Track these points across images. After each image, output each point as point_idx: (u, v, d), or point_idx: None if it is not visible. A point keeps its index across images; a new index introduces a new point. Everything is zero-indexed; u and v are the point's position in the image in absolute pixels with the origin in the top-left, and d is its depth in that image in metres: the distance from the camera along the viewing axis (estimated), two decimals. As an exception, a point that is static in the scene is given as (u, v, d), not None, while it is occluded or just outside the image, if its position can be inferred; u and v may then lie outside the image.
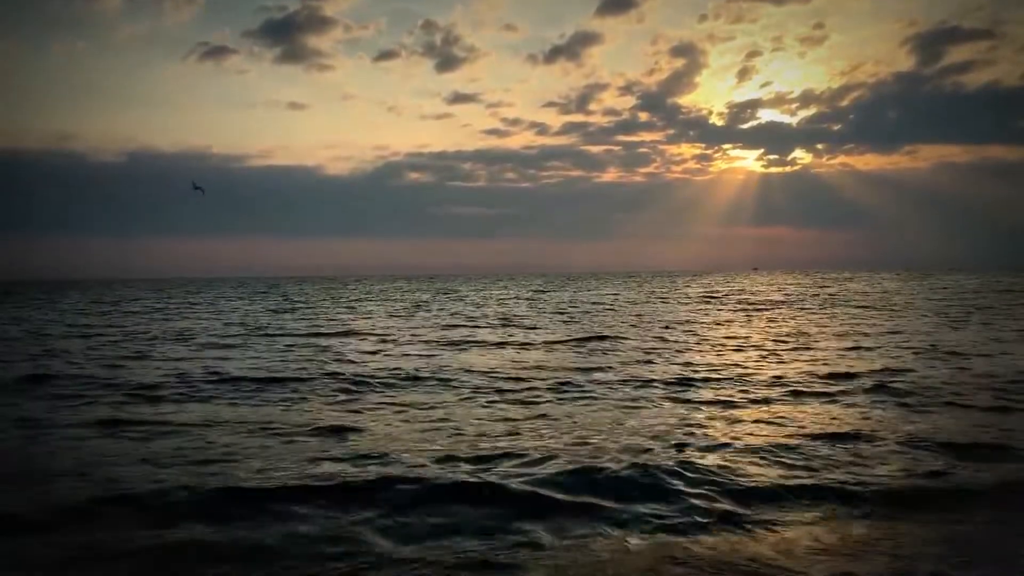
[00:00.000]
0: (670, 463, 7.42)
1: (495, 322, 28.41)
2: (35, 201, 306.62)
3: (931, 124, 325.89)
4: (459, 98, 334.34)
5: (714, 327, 25.20)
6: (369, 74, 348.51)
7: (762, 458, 7.76)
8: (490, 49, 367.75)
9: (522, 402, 11.33)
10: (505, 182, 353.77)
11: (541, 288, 75.80)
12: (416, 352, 18.37)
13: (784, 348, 18.28)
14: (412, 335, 23.12)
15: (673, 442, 8.44)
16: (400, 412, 10.65)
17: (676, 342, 19.98)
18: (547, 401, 11.40)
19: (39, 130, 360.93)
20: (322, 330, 25.38)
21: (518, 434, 9.08)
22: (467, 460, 7.77)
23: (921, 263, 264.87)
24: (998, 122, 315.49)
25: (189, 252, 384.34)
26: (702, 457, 7.76)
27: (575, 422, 9.76)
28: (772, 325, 25.84)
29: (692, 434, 8.92)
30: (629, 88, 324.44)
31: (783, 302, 41.15)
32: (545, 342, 20.50)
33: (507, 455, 7.93)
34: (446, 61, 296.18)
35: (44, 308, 45.22)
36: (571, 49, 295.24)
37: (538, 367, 15.25)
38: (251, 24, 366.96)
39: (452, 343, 20.48)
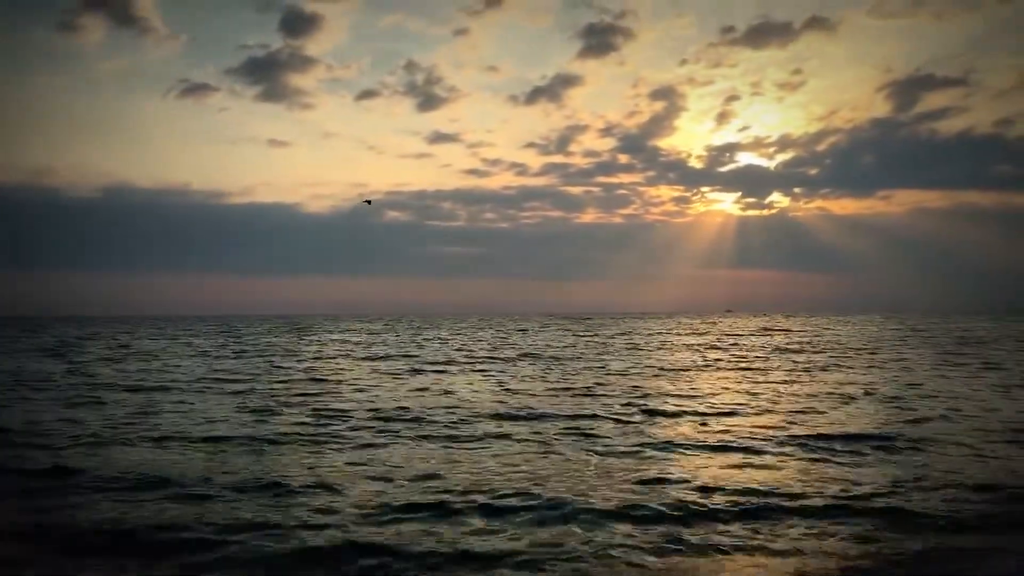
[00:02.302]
0: None
1: None
2: (7, 236, 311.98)
3: (906, 169, 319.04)
4: (440, 138, 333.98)
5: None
6: (350, 113, 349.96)
7: None
8: (471, 89, 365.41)
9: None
10: (484, 222, 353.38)
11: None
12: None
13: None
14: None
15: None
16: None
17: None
18: None
19: (14, 164, 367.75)
20: None
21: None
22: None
23: (896, 306, 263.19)
24: (972, 168, 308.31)
25: (166, 289, 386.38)
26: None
27: None
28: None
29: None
30: (609, 130, 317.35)
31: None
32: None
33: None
34: (427, 101, 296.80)
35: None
36: (552, 91, 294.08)
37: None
38: (233, 62, 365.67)
39: None
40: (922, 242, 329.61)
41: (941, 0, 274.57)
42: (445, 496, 9.30)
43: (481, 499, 9.18)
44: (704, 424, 15.02)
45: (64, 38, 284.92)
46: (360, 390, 21.62)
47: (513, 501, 9.12)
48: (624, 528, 8.12)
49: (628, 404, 17.94)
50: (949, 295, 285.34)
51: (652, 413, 16.48)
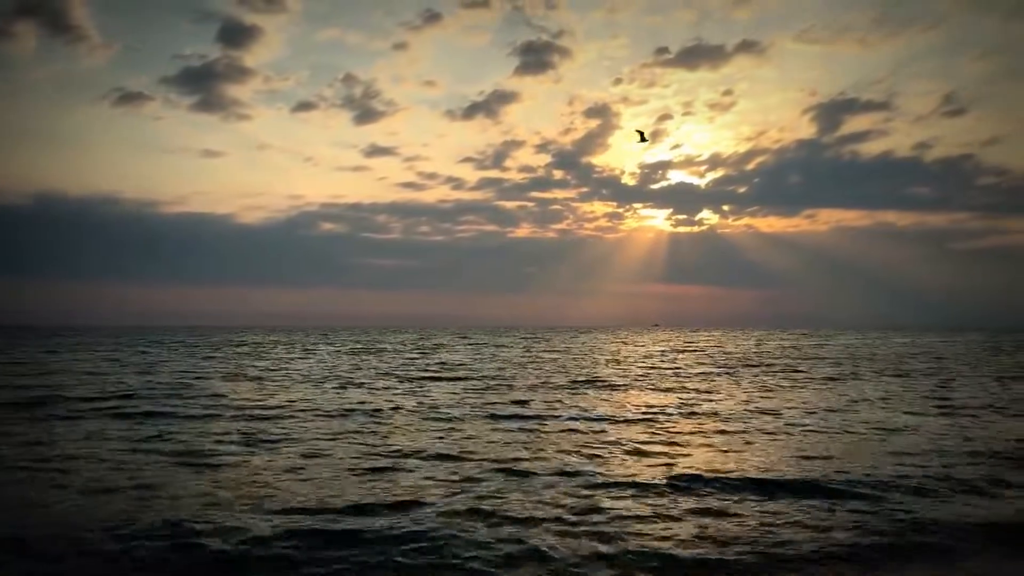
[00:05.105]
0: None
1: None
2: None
3: (830, 189, 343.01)
4: (376, 151, 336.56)
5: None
6: (287, 124, 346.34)
7: None
8: (409, 104, 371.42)
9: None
10: (419, 235, 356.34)
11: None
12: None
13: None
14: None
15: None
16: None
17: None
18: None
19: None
20: None
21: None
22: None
23: (819, 321, 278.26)
24: (891, 189, 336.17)
25: (96, 298, 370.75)
26: None
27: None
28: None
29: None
30: (544, 146, 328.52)
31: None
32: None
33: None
34: (365, 114, 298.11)
35: None
36: (489, 106, 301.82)
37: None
38: (168, 71, 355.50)
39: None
40: (843, 260, 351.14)
41: (865, 27, 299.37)
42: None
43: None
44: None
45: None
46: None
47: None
48: None
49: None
50: (866, 312, 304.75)
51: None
